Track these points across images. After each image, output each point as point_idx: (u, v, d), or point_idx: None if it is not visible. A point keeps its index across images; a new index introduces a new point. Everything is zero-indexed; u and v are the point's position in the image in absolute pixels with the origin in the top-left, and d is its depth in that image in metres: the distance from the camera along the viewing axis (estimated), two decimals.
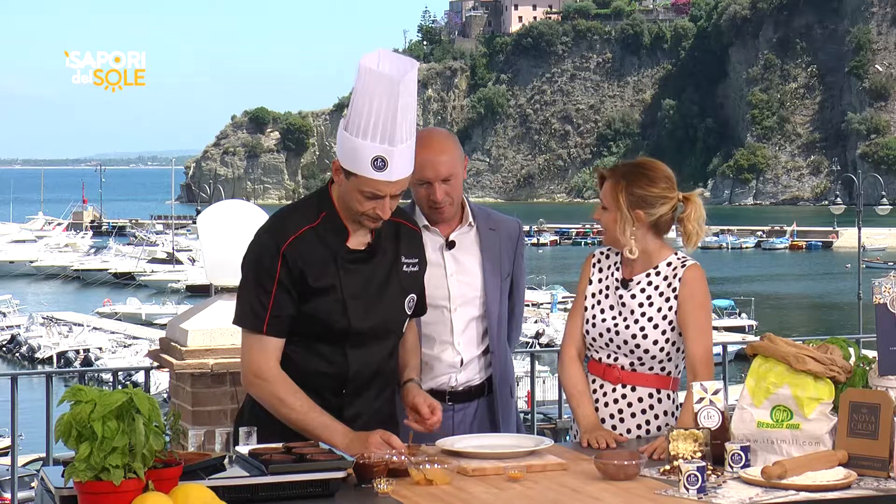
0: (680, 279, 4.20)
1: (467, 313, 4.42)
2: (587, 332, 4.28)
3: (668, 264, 4.24)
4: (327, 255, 3.86)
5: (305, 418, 3.81)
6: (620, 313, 4.23)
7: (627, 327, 4.21)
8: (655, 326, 4.19)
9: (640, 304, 4.22)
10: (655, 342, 4.18)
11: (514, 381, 4.71)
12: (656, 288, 4.22)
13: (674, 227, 4.30)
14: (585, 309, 4.31)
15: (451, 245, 4.43)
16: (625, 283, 4.26)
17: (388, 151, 3.75)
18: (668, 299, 4.20)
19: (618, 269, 4.29)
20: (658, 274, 4.23)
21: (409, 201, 4.58)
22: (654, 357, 4.20)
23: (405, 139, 3.78)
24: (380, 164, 3.75)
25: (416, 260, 4.06)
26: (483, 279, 4.45)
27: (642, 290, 4.23)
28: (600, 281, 4.32)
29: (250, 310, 3.86)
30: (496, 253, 4.49)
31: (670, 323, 4.19)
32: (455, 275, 4.41)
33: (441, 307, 4.38)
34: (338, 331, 3.87)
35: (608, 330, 4.23)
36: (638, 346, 4.19)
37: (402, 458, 3.56)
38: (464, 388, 4.44)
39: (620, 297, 4.25)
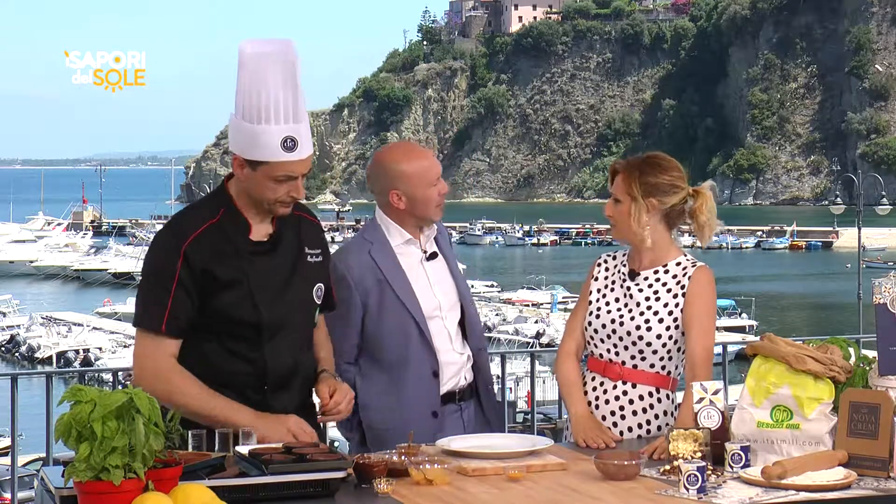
0: (689, 277, 4.22)
1: (454, 318, 4.50)
2: (589, 323, 4.29)
3: (678, 263, 4.26)
4: (231, 249, 3.83)
5: (205, 405, 3.74)
6: (626, 305, 4.25)
7: (632, 318, 4.22)
8: (660, 321, 4.19)
9: (647, 298, 4.23)
10: (658, 336, 4.19)
11: (491, 379, 4.73)
12: (664, 284, 4.23)
13: (679, 230, 4.33)
14: (590, 303, 4.32)
15: (432, 256, 4.51)
16: (633, 276, 4.27)
17: (296, 130, 3.76)
18: (675, 296, 4.21)
19: (625, 266, 4.31)
20: (667, 272, 4.25)
21: (373, 215, 4.61)
22: (655, 352, 4.20)
23: (304, 115, 3.80)
24: (290, 144, 3.74)
25: (320, 251, 4.03)
26: (455, 282, 4.54)
27: (650, 285, 4.25)
28: (606, 278, 4.34)
29: (148, 310, 3.81)
30: (449, 251, 4.59)
31: (675, 320, 4.20)
32: (437, 284, 4.48)
33: (436, 317, 4.44)
34: (250, 324, 3.83)
35: (612, 321, 4.24)
36: (641, 338, 4.19)
37: (403, 458, 3.57)
38: (467, 386, 4.51)
39: (628, 288, 4.26)
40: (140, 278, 3.91)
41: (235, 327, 3.84)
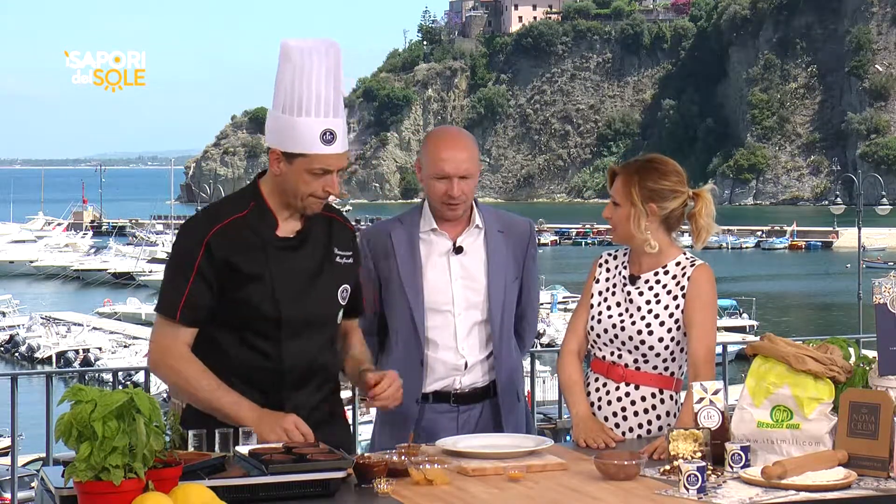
0: (689, 278, 4.21)
1: (471, 317, 4.42)
2: (592, 328, 4.29)
3: (677, 263, 4.25)
4: (255, 243, 3.84)
5: (212, 396, 3.77)
6: (627, 310, 4.24)
7: (633, 323, 4.21)
8: (662, 324, 4.19)
9: (648, 301, 4.22)
10: (661, 339, 4.19)
11: (522, 385, 4.68)
12: (664, 286, 4.23)
13: (680, 230, 4.32)
14: (591, 306, 4.31)
15: (458, 250, 4.43)
16: (633, 280, 4.27)
17: (334, 123, 3.80)
18: (675, 297, 4.20)
19: (625, 268, 4.31)
20: (667, 273, 4.24)
21: (418, 200, 4.59)
22: (658, 355, 4.20)
23: (342, 111, 3.83)
24: (328, 137, 3.78)
25: (350, 254, 4.03)
26: (488, 283, 4.44)
27: (650, 288, 4.24)
28: (607, 280, 4.33)
29: (166, 297, 3.87)
30: (503, 256, 4.47)
31: (676, 321, 4.19)
32: (460, 279, 4.41)
33: (445, 311, 4.39)
34: (269, 319, 3.83)
35: (613, 326, 4.24)
36: (643, 342, 4.19)
37: (403, 458, 3.57)
38: (469, 391, 4.45)
39: (628, 293, 4.26)
40: (166, 264, 3.96)
41: (255, 321, 3.84)
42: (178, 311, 3.83)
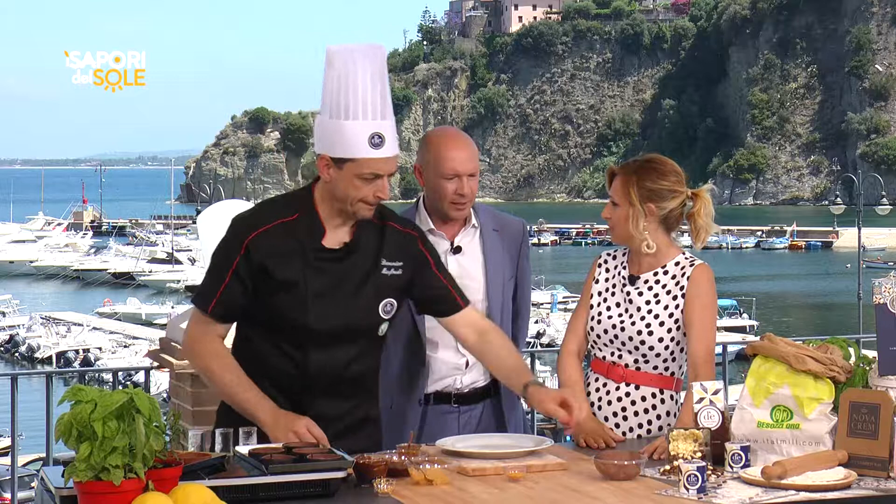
0: (688, 277, 4.21)
1: None
2: (591, 328, 4.29)
3: (677, 263, 4.25)
4: (295, 251, 3.81)
5: (233, 391, 3.79)
6: (627, 310, 4.24)
7: (633, 324, 4.21)
8: (661, 324, 4.19)
9: (647, 302, 4.22)
10: (661, 339, 4.19)
11: None
12: (664, 286, 4.22)
13: (679, 230, 4.32)
14: (591, 307, 4.31)
15: (457, 250, 4.44)
16: (632, 280, 4.26)
17: (382, 126, 3.74)
18: (675, 297, 4.20)
19: (625, 268, 4.30)
20: (666, 273, 4.24)
21: (413, 201, 4.59)
22: (658, 355, 4.20)
23: (391, 114, 3.78)
24: (377, 140, 3.73)
25: (401, 264, 3.92)
26: (486, 282, 4.46)
27: (650, 288, 4.24)
28: (607, 280, 4.33)
29: (203, 291, 3.90)
30: (499, 255, 4.49)
31: (676, 321, 4.19)
32: (458, 279, 4.41)
33: None
34: (297, 327, 3.82)
35: (613, 326, 4.24)
36: (643, 342, 4.19)
37: (403, 458, 3.57)
38: (469, 391, 4.46)
39: (627, 293, 4.25)
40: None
41: (283, 327, 3.83)
42: (209, 307, 3.85)
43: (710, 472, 3.48)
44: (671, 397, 4.25)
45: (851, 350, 3.83)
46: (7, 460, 13.91)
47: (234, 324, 3.93)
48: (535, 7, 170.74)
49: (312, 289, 3.80)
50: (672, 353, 4.21)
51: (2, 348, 48.62)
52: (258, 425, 3.70)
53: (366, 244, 3.87)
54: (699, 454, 3.60)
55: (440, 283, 4.01)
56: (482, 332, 4.03)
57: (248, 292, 3.81)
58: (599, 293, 4.32)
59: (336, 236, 3.85)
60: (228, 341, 3.97)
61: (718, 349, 4.87)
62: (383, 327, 3.93)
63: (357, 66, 3.73)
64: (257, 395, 3.78)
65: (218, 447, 3.55)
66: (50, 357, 44.44)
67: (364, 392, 3.96)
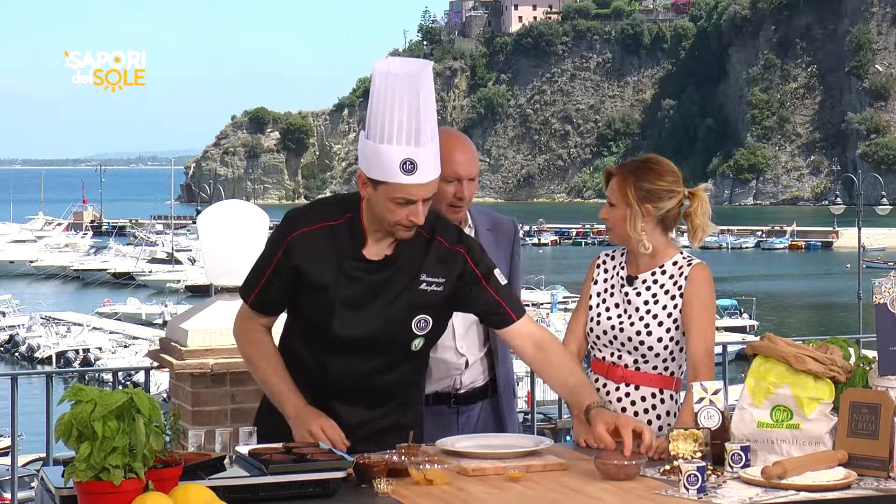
0: (686, 277, 4.20)
1: (468, 316, 4.40)
2: (591, 329, 4.29)
3: (675, 263, 4.24)
4: (332, 256, 3.80)
5: (266, 381, 3.92)
6: (626, 311, 4.24)
7: (632, 324, 4.21)
8: (660, 324, 4.19)
9: (646, 302, 4.22)
10: (660, 340, 4.19)
11: (514, 382, 4.72)
12: (662, 286, 4.22)
13: (678, 229, 4.32)
14: (590, 308, 4.31)
15: None
16: (630, 280, 4.26)
17: (416, 153, 3.68)
18: (673, 297, 4.20)
19: (623, 269, 4.30)
20: (664, 273, 4.24)
21: None
22: (657, 355, 4.20)
23: (430, 139, 3.71)
24: (409, 167, 3.67)
25: (443, 280, 3.88)
26: None
27: (648, 288, 4.23)
28: (605, 281, 4.33)
29: (247, 282, 3.96)
30: (494, 254, 4.48)
31: (675, 321, 4.19)
32: None
33: None
34: (321, 332, 3.83)
35: (612, 327, 4.23)
36: (642, 342, 4.19)
37: (403, 458, 3.57)
38: (467, 391, 4.46)
39: (626, 294, 4.25)
40: None
41: (310, 329, 3.87)
42: (250, 298, 3.94)
43: (710, 472, 3.48)
44: (671, 397, 4.25)
45: (851, 350, 3.83)
46: (7, 460, 13.92)
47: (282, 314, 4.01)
48: (535, 7, 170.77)
49: (342, 297, 3.81)
50: (671, 353, 4.21)
51: (2, 348, 48.62)
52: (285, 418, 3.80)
53: (407, 259, 3.85)
54: (699, 454, 3.60)
55: (491, 297, 3.96)
56: (539, 344, 3.99)
57: (287, 288, 3.86)
58: (598, 294, 4.32)
59: (378, 248, 3.84)
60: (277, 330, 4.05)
61: (718, 349, 4.87)
62: (416, 342, 3.90)
63: (395, 90, 3.67)
64: (288, 387, 3.86)
65: (218, 447, 3.55)
66: (50, 357, 44.43)
67: (391, 403, 3.95)
